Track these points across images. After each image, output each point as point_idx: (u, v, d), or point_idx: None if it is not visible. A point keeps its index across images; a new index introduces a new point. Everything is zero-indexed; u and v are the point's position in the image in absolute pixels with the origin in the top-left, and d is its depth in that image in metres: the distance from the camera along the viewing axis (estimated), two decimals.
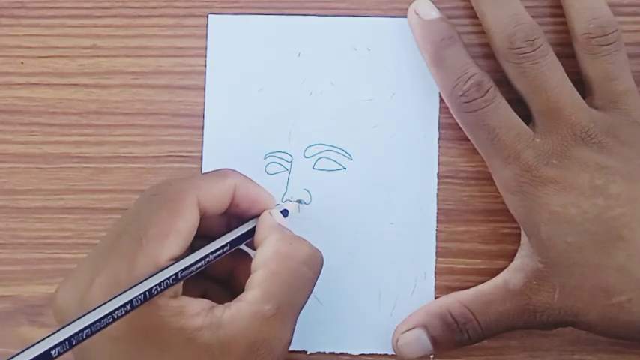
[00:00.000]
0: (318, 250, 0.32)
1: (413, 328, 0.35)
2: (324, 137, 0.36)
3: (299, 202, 0.36)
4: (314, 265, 0.31)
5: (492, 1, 0.34)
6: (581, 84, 0.34)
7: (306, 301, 0.31)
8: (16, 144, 0.37)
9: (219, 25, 0.37)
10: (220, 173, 0.32)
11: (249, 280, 0.30)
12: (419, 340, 0.34)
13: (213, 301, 0.30)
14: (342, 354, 0.36)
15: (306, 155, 0.36)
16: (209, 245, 0.31)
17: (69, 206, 0.37)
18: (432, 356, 0.36)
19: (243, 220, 0.33)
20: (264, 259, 0.30)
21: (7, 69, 0.37)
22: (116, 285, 0.28)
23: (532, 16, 0.34)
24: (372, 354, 0.36)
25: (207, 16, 0.37)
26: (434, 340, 0.34)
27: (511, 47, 0.33)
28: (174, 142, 0.37)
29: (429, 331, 0.34)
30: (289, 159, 0.36)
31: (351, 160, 0.36)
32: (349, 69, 0.37)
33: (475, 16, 0.35)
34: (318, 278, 0.32)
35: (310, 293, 0.31)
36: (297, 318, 0.31)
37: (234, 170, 0.33)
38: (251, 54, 0.37)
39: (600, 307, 0.32)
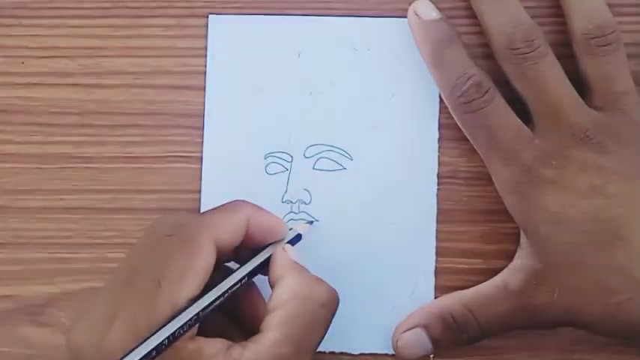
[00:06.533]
0: (335, 291, 0.31)
1: (413, 328, 0.35)
2: (324, 137, 0.36)
3: (310, 223, 0.35)
4: (332, 306, 0.31)
5: (492, 1, 0.34)
6: (581, 84, 0.34)
7: (321, 341, 0.31)
8: (16, 144, 0.37)
9: (219, 25, 0.37)
10: (232, 207, 0.32)
11: (266, 320, 0.30)
12: (419, 341, 0.34)
13: (226, 332, 0.30)
14: (342, 354, 0.36)
15: (306, 155, 0.36)
16: (225, 281, 0.30)
17: (69, 206, 0.37)
18: (431, 356, 0.36)
19: (254, 249, 0.32)
20: (283, 299, 0.30)
21: (8, 69, 0.37)
22: (135, 329, 0.28)
23: (532, 17, 0.34)
24: (372, 354, 0.36)
25: (208, 16, 0.37)
26: (434, 341, 0.34)
27: (510, 48, 0.33)
28: (175, 142, 0.37)
29: (428, 332, 0.34)
30: (289, 159, 0.36)
31: (351, 160, 0.36)
32: (349, 69, 0.37)
33: (475, 16, 0.35)
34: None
35: (326, 333, 0.31)
36: (312, 358, 0.30)
37: (245, 201, 0.32)
38: (251, 54, 0.37)
39: (600, 306, 0.32)
